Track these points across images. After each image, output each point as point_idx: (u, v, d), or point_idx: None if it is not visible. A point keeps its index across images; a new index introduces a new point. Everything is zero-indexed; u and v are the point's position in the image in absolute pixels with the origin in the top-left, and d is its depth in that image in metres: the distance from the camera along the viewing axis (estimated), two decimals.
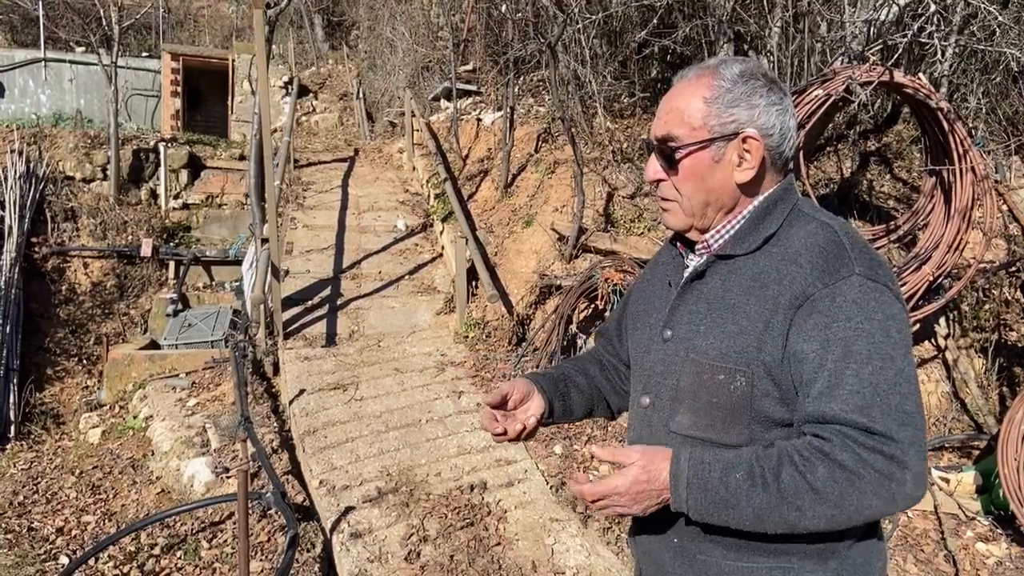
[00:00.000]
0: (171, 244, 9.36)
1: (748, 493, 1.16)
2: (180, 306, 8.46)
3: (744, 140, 1.30)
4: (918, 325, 5.04)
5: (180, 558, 4.14)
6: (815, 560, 1.25)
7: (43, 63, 12.89)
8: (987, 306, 5.22)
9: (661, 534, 1.38)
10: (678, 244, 1.48)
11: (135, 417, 6.10)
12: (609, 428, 4.98)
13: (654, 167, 1.39)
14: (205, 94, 14.92)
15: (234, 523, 4.32)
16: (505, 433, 1.49)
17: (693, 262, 1.43)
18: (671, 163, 1.34)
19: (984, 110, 6.52)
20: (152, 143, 9.95)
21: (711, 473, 1.19)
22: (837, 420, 1.13)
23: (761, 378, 1.24)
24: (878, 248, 5.06)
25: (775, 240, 1.31)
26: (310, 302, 6.73)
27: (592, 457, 4.66)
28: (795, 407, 1.23)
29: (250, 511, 3.85)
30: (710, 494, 1.18)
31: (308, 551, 3.99)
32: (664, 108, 1.36)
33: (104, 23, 10.73)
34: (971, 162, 4.62)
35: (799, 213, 1.33)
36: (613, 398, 1.69)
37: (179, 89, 13.32)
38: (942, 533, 3.94)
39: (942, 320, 5.26)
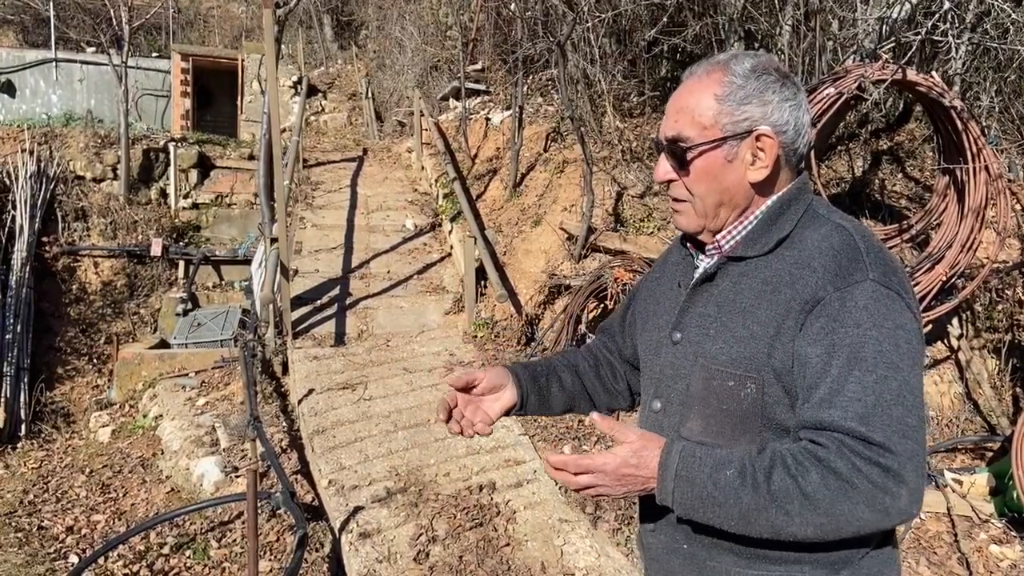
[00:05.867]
0: (181, 244, 9.39)
1: (737, 492, 1.12)
2: (190, 305, 8.49)
3: (758, 138, 1.26)
4: (931, 326, 5.00)
5: (189, 557, 4.15)
6: (828, 570, 1.22)
7: (54, 63, 12.93)
8: (1000, 306, 5.17)
9: (670, 540, 1.35)
10: (688, 244, 1.44)
11: (145, 416, 6.12)
12: None
13: (664, 167, 1.35)
14: (215, 94, 14.95)
15: (243, 523, 4.32)
16: (447, 420, 1.52)
17: (703, 263, 1.39)
18: (682, 164, 1.30)
19: (997, 108, 6.46)
20: (162, 143, 9.98)
21: (701, 468, 1.15)
22: (835, 427, 1.10)
23: (771, 385, 1.21)
24: (891, 248, 5.02)
25: (788, 242, 1.27)
26: (319, 301, 6.73)
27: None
28: None
29: (259, 511, 3.85)
30: (697, 488, 1.15)
31: (317, 551, 3.99)
32: (673, 106, 1.32)
33: (114, 24, 10.79)
34: (985, 161, 4.57)
35: (814, 214, 1.30)
36: (601, 396, 1.65)
37: (189, 89, 13.35)
38: (955, 535, 3.90)
39: (955, 320, 5.22)
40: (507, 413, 1.53)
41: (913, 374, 1.14)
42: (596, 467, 1.19)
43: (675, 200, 1.37)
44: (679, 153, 1.30)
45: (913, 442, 1.08)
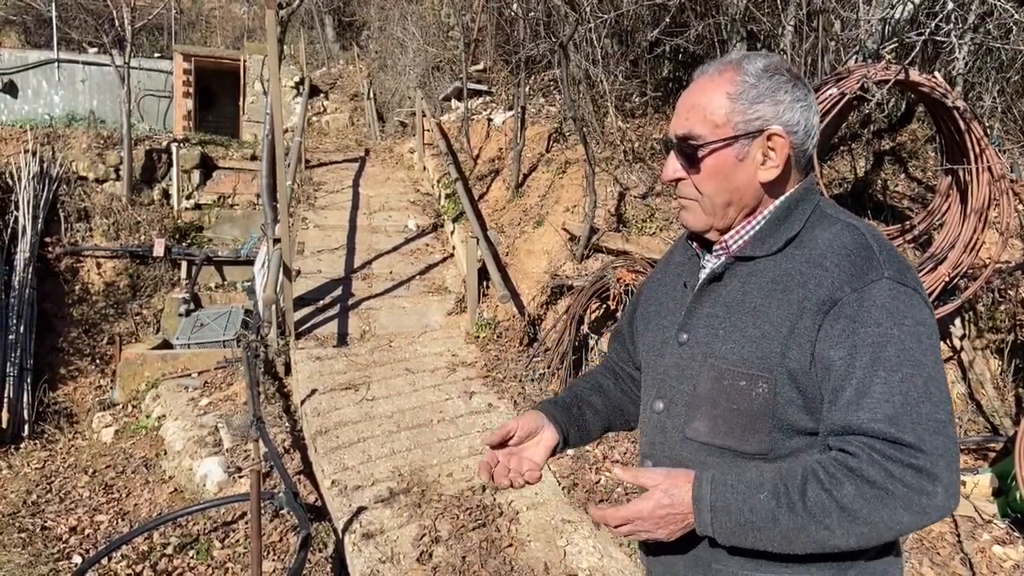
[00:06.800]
0: (183, 244, 9.40)
1: (774, 514, 1.12)
2: (192, 306, 8.50)
3: (769, 137, 1.26)
4: None
5: (192, 558, 4.15)
6: (834, 570, 1.22)
7: (56, 64, 12.95)
8: (1003, 307, 5.16)
9: (675, 543, 1.33)
10: (694, 244, 1.43)
11: (148, 416, 6.13)
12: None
13: (673, 166, 1.34)
14: (217, 95, 14.97)
15: (246, 523, 4.33)
16: (499, 478, 1.42)
17: (710, 263, 1.38)
18: (692, 162, 1.30)
19: (1000, 109, 6.45)
20: (164, 143, 9.99)
21: (735, 495, 1.16)
22: (864, 431, 1.10)
23: (784, 385, 1.20)
24: None
25: (797, 242, 1.27)
26: (321, 302, 6.73)
27: (604, 459, 4.64)
28: (820, 415, 1.19)
29: (262, 511, 3.86)
30: (734, 516, 1.15)
31: (320, 551, 3.99)
32: (684, 104, 1.31)
33: (117, 24, 10.79)
34: (987, 161, 4.56)
35: (822, 214, 1.29)
36: (630, 409, 1.64)
37: (191, 90, 13.37)
38: (958, 536, 3.90)
39: (957, 321, 5.22)
40: (552, 453, 1.50)
41: (937, 369, 1.14)
42: (633, 515, 1.22)
43: (683, 198, 1.36)
44: (690, 151, 1.29)
45: (944, 437, 1.08)
